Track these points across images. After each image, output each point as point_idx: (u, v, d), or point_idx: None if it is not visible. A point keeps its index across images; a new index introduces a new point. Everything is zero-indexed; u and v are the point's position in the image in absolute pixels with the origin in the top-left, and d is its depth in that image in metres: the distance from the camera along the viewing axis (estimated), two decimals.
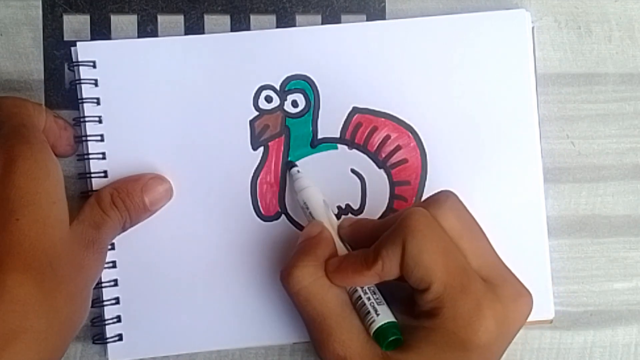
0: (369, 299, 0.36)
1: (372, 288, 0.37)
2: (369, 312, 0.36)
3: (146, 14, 0.43)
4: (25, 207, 0.35)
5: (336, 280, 0.36)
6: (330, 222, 0.39)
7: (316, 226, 0.38)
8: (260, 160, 0.43)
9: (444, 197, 0.36)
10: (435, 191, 0.37)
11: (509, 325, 0.35)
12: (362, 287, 0.36)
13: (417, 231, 0.34)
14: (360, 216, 0.43)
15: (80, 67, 0.42)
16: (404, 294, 0.37)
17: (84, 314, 0.37)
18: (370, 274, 0.35)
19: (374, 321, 0.35)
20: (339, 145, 0.43)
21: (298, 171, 0.42)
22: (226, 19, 0.43)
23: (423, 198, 0.43)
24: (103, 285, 0.41)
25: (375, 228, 0.37)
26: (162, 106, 0.42)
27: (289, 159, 0.43)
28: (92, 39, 0.42)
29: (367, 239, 0.37)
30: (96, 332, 0.42)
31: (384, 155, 0.43)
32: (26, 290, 0.34)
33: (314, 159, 0.43)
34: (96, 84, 0.42)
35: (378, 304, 0.36)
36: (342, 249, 0.38)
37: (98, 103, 0.42)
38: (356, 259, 0.36)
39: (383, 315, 0.35)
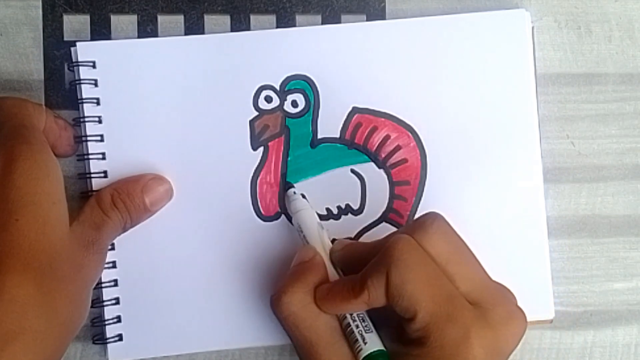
0: (357, 326, 0.36)
1: (361, 315, 0.36)
2: (357, 339, 0.35)
3: (146, 14, 0.43)
4: (25, 207, 0.35)
5: (325, 308, 0.36)
6: (323, 246, 0.39)
7: (309, 251, 0.38)
8: (260, 160, 0.43)
9: (430, 221, 0.35)
10: (424, 211, 0.37)
11: (500, 349, 0.34)
12: (351, 314, 0.36)
13: (400, 261, 0.33)
14: (359, 216, 0.43)
15: (80, 67, 0.42)
16: (394, 320, 0.36)
17: (84, 315, 0.37)
18: (358, 302, 0.35)
19: (361, 349, 0.35)
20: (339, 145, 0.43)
21: (294, 192, 0.41)
22: (226, 19, 0.43)
23: (423, 198, 0.43)
24: (103, 285, 0.41)
25: (367, 252, 0.37)
26: (162, 106, 0.42)
27: (289, 158, 0.43)
28: (92, 39, 0.42)
29: (358, 262, 0.36)
30: (96, 332, 0.42)
31: (383, 155, 0.43)
32: (25, 291, 0.34)
33: (314, 159, 0.43)
34: (96, 84, 0.42)
35: (366, 332, 0.36)
36: (333, 274, 0.38)
37: (98, 103, 0.42)
38: (344, 287, 0.35)
39: (371, 344, 0.35)
